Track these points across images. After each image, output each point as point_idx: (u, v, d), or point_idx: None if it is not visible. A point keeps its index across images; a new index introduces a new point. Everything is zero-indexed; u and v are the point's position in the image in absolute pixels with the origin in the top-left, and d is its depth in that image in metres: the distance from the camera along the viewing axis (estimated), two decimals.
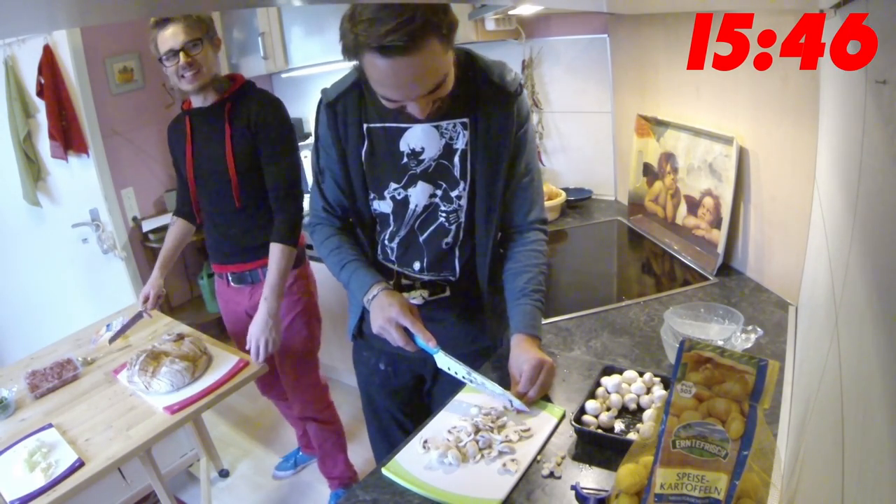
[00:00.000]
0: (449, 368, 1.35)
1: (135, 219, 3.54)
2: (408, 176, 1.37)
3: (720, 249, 1.83)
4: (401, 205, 1.40)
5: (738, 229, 1.82)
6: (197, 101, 2.03)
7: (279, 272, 2.02)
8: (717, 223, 1.85)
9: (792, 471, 0.97)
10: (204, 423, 2.67)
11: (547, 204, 2.51)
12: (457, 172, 1.36)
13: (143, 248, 3.57)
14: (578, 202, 2.69)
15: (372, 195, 1.42)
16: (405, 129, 1.34)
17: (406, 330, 1.33)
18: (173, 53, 1.86)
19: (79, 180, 3.22)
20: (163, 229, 3.53)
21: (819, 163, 1.34)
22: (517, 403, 1.29)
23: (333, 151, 1.40)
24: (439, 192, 1.38)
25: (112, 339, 2.03)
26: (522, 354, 1.33)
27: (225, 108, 1.99)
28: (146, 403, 1.85)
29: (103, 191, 3.26)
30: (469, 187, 1.37)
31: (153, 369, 1.91)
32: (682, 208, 2.06)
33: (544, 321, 1.67)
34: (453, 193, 1.38)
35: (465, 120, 1.33)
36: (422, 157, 1.35)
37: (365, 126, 1.36)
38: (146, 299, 2.22)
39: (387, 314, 1.33)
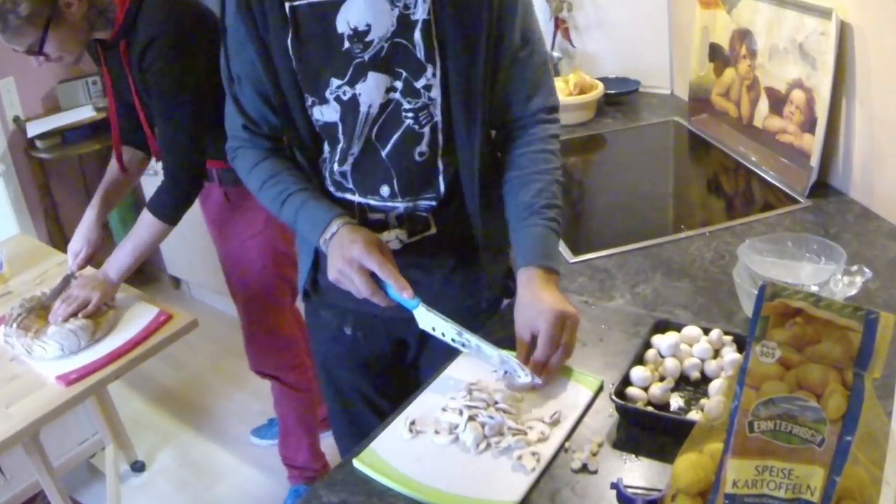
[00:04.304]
0: (434, 329, 1.33)
1: (16, 119, 3.52)
2: (353, 66, 1.33)
3: (814, 162, 1.83)
4: (349, 108, 1.37)
5: (839, 134, 1.83)
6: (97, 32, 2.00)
7: (135, 247, 2.01)
8: (809, 126, 1.85)
9: None
10: (111, 399, 2.71)
11: (577, 99, 2.50)
12: (420, 54, 1.32)
13: (27, 158, 3.56)
14: (621, 97, 2.68)
15: (310, 99, 1.39)
16: (340, 3, 1.30)
17: (374, 277, 1.29)
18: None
19: None
20: (56, 133, 3.50)
21: None
22: (527, 375, 1.27)
23: (250, 46, 1.36)
24: (399, 84, 1.35)
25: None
26: (535, 303, 1.29)
27: (120, 49, 1.98)
28: (32, 371, 1.85)
29: None
30: (441, 72, 1.34)
31: (37, 328, 1.90)
32: (763, 105, 2.06)
33: (573, 259, 1.68)
34: (419, 84, 1.35)
35: None
36: (369, 38, 1.31)
37: (287, 5, 1.32)
38: (77, 257, 2.15)
39: (347, 254, 1.28)
